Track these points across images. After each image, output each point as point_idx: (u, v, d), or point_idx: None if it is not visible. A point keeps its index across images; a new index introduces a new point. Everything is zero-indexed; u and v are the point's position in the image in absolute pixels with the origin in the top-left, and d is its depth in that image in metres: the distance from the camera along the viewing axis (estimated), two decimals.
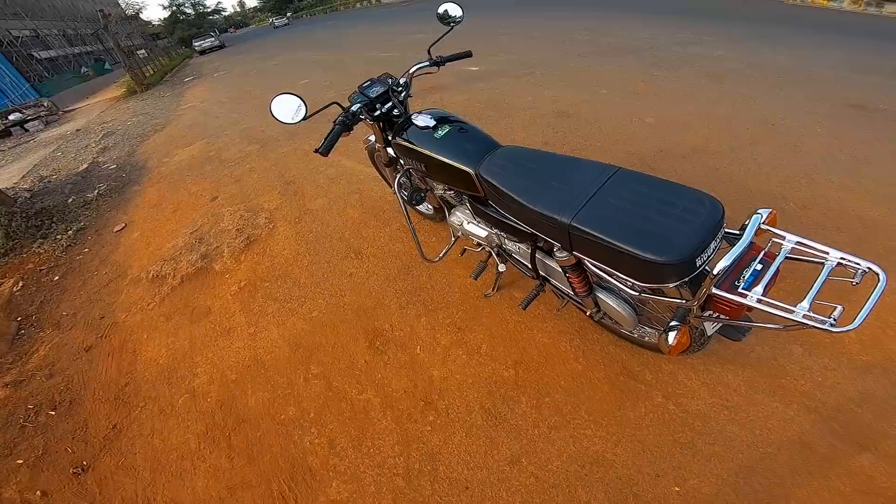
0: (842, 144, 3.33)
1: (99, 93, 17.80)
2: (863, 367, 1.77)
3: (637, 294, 1.41)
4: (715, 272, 1.14)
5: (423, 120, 1.91)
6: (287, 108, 1.88)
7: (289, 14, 60.28)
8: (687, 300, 1.30)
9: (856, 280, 1.12)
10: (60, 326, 3.24)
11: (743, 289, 1.17)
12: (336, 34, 17.99)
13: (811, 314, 1.08)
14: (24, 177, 6.83)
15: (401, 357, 2.26)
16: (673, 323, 1.37)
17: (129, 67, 14.93)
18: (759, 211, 1.21)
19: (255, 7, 79.89)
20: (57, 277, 3.80)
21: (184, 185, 4.51)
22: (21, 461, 2.37)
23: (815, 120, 3.77)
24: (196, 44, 29.54)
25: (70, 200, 5.13)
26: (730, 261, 1.13)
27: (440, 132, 1.85)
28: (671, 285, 1.22)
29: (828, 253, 1.14)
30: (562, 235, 1.38)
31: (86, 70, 23.19)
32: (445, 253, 2.36)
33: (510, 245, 1.97)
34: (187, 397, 2.44)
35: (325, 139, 1.84)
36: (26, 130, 12.18)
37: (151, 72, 18.68)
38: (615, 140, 3.73)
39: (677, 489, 1.56)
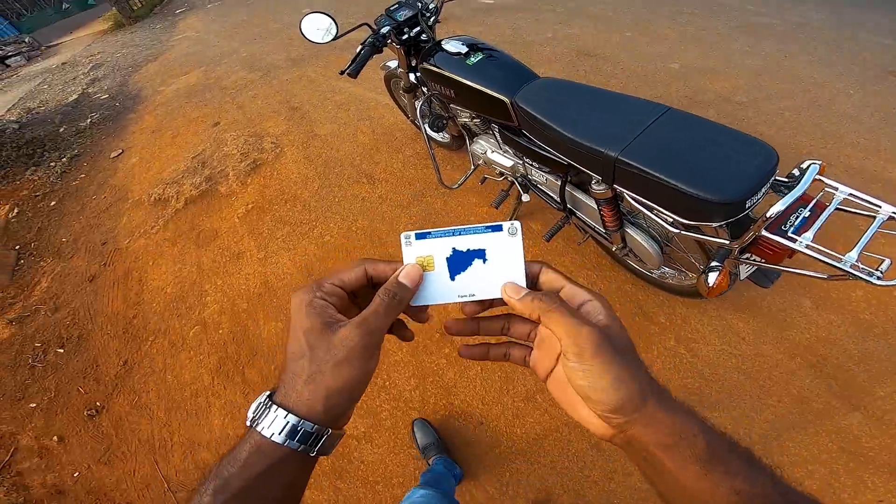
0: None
1: (83, 27, 16.76)
2: (865, 326, 1.76)
3: (677, 231, 1.38)
4: (769, 215, 1.14)
5: (454, 46, 1.84)
6: (317, 27, 1.84)
7: None
8: (729, 241, 1.29)
9: None
10: (61, 254, 3.15)
11: (791, 234, 1.16)
12: None
13: (858, 265, 1.08)
14: (9, 110, 6.52)
15: None
16: (714, 264, 1.36)
17: (115, 0, 14.05)
18: (813, 161, 1.21)
19: None
20: (54, 203, 3.68)
21: (182, 112, 4.29)
22: (34, 404, 2.33)
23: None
24: None
25: (62, 129, 4.92)
26: (784, 205, 1.12)
27: (473, 59, 1.80)
28: (714, 224, 1.22)
29: (880, 207, 1.13)
30: (606, 168, 1.35)
31: (66, 6, 21.89)
32: (465, 180, 2.28)
33: (537, 175, 1.91)
34: (198, 329, 2.38)
35: (354, 61, 1.82)
36: (7, 66, 11.60)
37: (139, 4, 17.65)
38: (638, 83, 3.55)
39: None
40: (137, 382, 2.26)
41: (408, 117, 2.90)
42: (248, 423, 0.36)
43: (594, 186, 1.53)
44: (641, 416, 0.34)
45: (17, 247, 3.39)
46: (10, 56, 11.94)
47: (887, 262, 1.07)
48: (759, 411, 1.55)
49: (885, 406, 1.55)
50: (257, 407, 0.36)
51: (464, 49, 1.81)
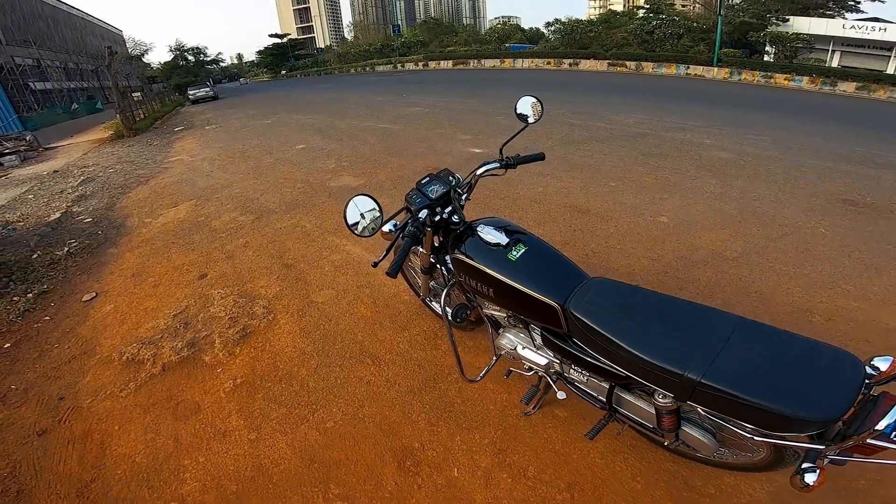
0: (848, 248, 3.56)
1: (85, 132, 17.41)
2: None
3: (760, 440, 1.34)
4: (878, 428, 1.13)
5: (491, 234, 1.70)
6: (361, 211, 1.68)
7: (242, 80, 63.26)
8: (825, 446, 1.24)
9: None
10: (6, 402, 2.78)
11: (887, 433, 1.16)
12: (330, 99, 18.50)
13: None
14: None
15: (436, 480, 1.97)
16: (807, 465, 1.29)
17: (122, 109, 14.75)
18: None
19: (252, 62, 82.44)
20: (8, 345, 3.33)
21: (167, 255, 4.16)
22: None
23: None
24: (190, 92, 29.55)
25: (35, 256, 4.69)
26: (893, 418, 1.12)
27: (515, 253, 1.65)
28: (803, 434, 1.22)
29: None
30: (682, 388, 1.28)
31: (76, 107, 22.87)
32: (487, 372, 2.16)
33: (576, 375, 1.79)
34: None
35: (395, 257, 1.58)
36: (0, 165, 11.61)
37: (142, 116, 18.57)
38: (635, 243, 3.71)
39: None
40: None
41: (418, 296, 2.81)
42: None
43: (659, 399, 1.43)
44: None
45: None
46: (6, 154, 11.99)
47: None
48: None
49: None
50: None
51: (503, 239, 1.66)
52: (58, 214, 6.10)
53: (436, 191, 1.83)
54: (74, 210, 6.28)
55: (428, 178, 1.89)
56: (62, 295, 3.89)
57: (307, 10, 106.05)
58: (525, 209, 4.49)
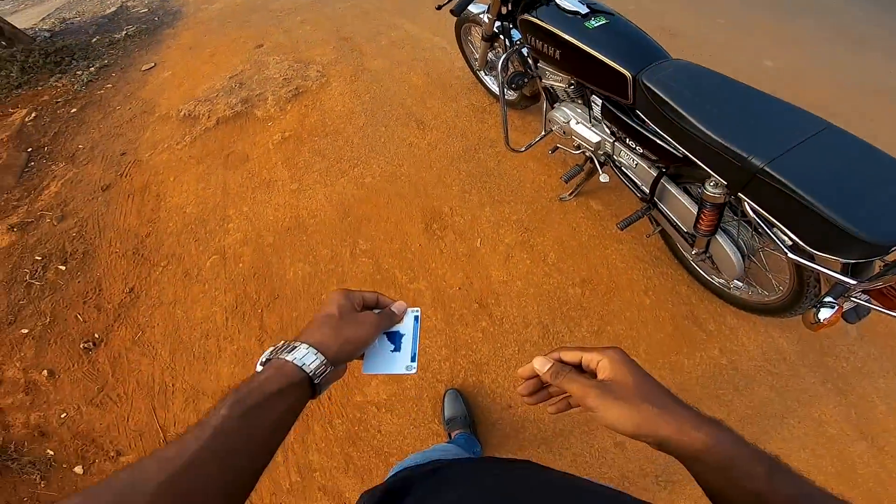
0: None
1: None
2: None
3: (790, 255, 1.22)
4: None
5: (571, 2, 1.58)
6: None
7: None
8: (856, 281, 1.12)
9: None
10: (75, 160, 2.93)
11: None
12: None
13: None
14: (44, 19, 6.25)
15: (459, 247, 1.95)
16: (828, 299, 1.20)
17: None
18: None
19: None
20: (75, 110, 3.45)
21: (224, 31, 4.01)
22: (26, 330, 2.10)
23: None
24: None
25: (94, 40, 4.65)
26: None
27: (594, 22, 1.53)
28: (843, 260, 1.10)
29: None
30: (739, 175, 1.20)
31: None
32: (534, 144, 2.04)
33: (625, 158, 1.67)
34: (217, 258, 2.14)
35: None
36: None
37: None
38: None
39: None
40: (142, 314, 2.04)
41: (471, 68, 2.61)
42: (261, 362, 0.46)
43: (709, 188, 1.31)
44: (655, 436, 0.42)
45: (30, 149, 3.17)
46: None
47: None
48: (778, 429, 1.54)
49: (890, 438, 1.48)
50: (275, 347, 0.47)
51: (583, 9, 1.55)
52: (113, 9, 5.93)
53: None
54: (129, 3, 6.08)
55: None
56: (122, 67, 3.90)
57: None
58: None
